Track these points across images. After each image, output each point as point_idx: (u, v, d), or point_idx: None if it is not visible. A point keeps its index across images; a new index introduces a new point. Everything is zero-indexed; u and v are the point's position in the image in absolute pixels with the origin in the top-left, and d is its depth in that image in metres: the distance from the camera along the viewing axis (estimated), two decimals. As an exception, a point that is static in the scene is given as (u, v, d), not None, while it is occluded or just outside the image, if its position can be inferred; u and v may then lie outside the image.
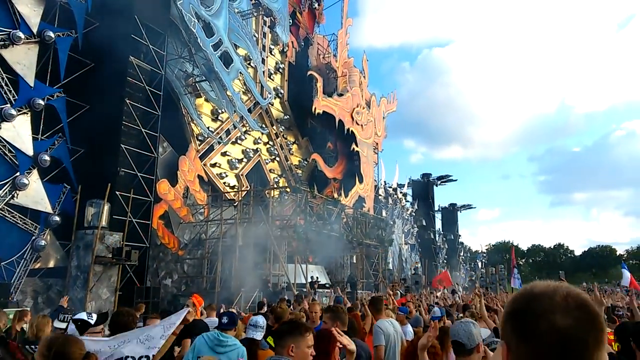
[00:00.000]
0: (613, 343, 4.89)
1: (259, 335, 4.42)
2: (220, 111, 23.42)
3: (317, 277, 20.80)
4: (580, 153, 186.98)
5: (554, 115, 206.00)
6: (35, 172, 14.91)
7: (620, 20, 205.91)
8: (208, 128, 22.70)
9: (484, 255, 69.28)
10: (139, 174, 17.09)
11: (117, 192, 16.03)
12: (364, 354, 4.35)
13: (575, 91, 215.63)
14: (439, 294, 20.47)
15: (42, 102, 15.12)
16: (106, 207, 15.54)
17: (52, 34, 15.47)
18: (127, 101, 16.98)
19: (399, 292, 18.91)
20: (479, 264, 62.66)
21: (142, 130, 17.40)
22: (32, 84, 14.92)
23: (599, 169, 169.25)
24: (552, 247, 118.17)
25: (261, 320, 4.52)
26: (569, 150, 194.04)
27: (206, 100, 22.88)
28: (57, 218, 15.32)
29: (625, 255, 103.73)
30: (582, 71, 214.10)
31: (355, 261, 27.22)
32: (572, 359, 0.97)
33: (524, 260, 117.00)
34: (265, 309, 10.86)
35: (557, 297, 1.01)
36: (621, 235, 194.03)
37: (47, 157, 15.14)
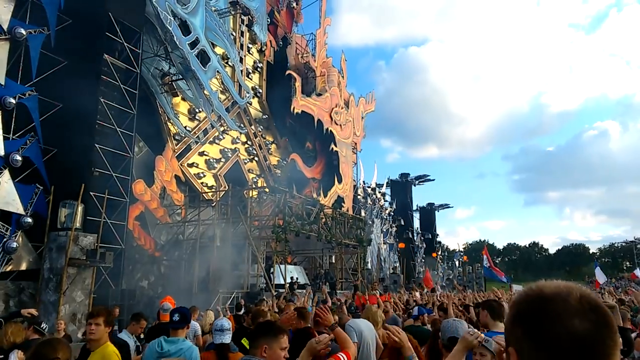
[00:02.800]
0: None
1: (227, 339, 4.32)
2: (197, 110, 23.19)
3: (297, 278, 20.73)
4: (553, 152, 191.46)
5: (527, 114, 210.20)
6: (6, 173, 14.51)
7: (593, 21, 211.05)
8: (185, 127, 22.45)
9: (461, 254, 70.18)
10: (114, 174, 16.77)
11: (92, 193, 15.69)
12: None
13: (550, 90, 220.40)
14: (417, 293, 20.58)
15: (13, 101, 14.72)
16: (80, 208, 15.22)
17: (23, 31, 15.08)
18: (102, 100, 16.65)
19: (377, 292, 18.96)
20: (457, 262, 63.43)
21: (117, 129, 17.08)
22: (2, 82, 14.53)
23: (571, 168, 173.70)
24: (527, 245, 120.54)
25: (226, 323, 4.44)
26: (543, 149, 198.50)
27: (183, 99, 22.63)
28: (29, 219, 14.94)
29: (597, 254, 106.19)
30: (556, 71, 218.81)
31: (334, 261, 27.22)
32: None
33: (500, 258, 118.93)
34: (243, 310, 10.78)
35: (571, 299, 0.97)
36: (593, 234, 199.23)
37: (18, 157, 14.75)
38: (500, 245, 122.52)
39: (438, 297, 16.42)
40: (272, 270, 19.29)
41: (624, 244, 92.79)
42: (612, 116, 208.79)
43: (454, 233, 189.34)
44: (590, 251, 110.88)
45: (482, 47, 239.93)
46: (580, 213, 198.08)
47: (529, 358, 0.98)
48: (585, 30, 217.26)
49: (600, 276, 20.97)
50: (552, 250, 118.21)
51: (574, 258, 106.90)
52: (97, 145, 16.31)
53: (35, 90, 15.56)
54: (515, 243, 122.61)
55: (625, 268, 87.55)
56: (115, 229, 16.50)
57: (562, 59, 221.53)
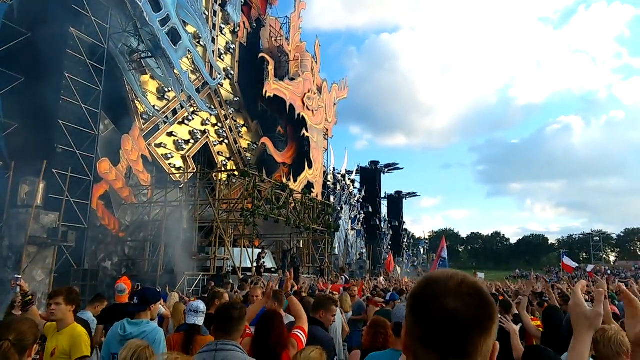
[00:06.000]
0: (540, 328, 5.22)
1: (200, 321, 4.30)
2: (166, 90, 22.71)
3: (264, 262, 20.74)
4: (517, 144, 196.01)
5: (494, 106, 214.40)
6: (-38, 147, 13.97)
7: (561, 16, 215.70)
8: (154, 107, 21.97)
9: (426, 242, 71.58)
10: (77, 151, 16.34)
11: (54, 170, 15.28)
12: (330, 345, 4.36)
13: (517, 83, 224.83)
14: (381, 278, 20.94)
15: (-29, 72, 14.13)
16: (41, 186, 14.80)
17: (-17, -1, 14.44)
18: (66, 75, 16.14)
19: (343, 277, 19.17)
20: (422, 250, 64.66)
21: (82, 105, 16.61)
22: (-40, 52, 13.91)
23: (534, 160, 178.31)
24: (489, 235, 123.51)
25: (202, 305, 4.41)
26: (508, 141, 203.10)
27: (152, 77, 22.10)
28: (-13, 196, 14.47)
29: (556, 244, 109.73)
30: (523, 64, 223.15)
31: (302, 246, 27.35)
32: (456, 339, 1.02)
33: (463, 247, 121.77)
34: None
35: (451, 282, 1.06)
36: (553, 225, 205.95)
37: (-24, 131, 14.22)
38: (464, 234, 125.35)
39: (402, 283, 16.73)
40: (263, 257, 19.35)
41: (581, 235, 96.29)
42: (576, 111, 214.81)
43: (419, 221, 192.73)
44: (549, 242, 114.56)
45: (452, 37, 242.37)
46: (541, 205, 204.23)
47: (410, 330, 1.08)
48: (554, 25, 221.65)
49: (570, 262, 22.10)
50: (513, 240, 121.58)
51: (533, 248, 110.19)
52: (60, 121, 15.85)
53: (-5, 61, 14.93)
54: (478, 232, 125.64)
55: (582, 259, 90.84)
56: (78, 208, 16.15)
57: (530, 53, 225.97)
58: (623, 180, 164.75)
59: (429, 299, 1.05)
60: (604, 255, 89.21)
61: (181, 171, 23.32)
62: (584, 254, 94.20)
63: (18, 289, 4.49)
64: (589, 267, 22.81)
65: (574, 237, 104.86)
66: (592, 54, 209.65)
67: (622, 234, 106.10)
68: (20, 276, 4.80)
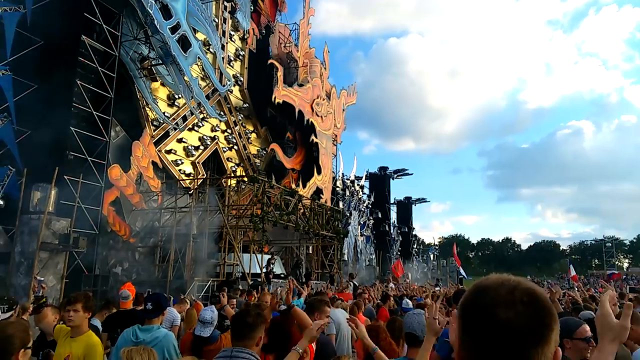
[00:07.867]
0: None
1: (207, 332, 4.21)
2: (177, 96, 22.87)
3: (273, 268, 20.73)
4: (528, 149, 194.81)
5: (504, 110, 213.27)
6: (-24, 153, 14.15)
7: (571, 19, 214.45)
8: (164, 113, 22.13)
9: (436, 248, 71.19)
10: (89, 158, 16.49)
11: (66, 177, 15.41)
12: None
13: (526, 87, 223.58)
14: (391, 284, 20.84)
15: (-15, 80, 14.33)
16: (53, 192, 14.93)
17: (-3, 8, 14.66)
18: (78, 82, 16.31)
19: (352, 283, 19.04)
20: (431, 256, 64.28)
21: (94, 113, 16.77)
22: (-26, 60, 14.13)
23: (545, 165, 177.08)
24: (500, 241, 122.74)
25: (209, 315, 4.32)
26: (518, 146, 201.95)
27: (162, 84, 22.27)
28: (1, 201, 14.66)
29: (568, 250, 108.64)
30: (533, 67, 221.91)
31: (311, 252, 27.31)
32: (511, 353, 0.94)
33: (473, 253, 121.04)
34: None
35: (502, 289, 0.99)
36: (564, 231, 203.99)
37: (-10, 138, 14.40)
38: (474, 240, 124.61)
39: (412, 289, 16.63)
40: (273, 263, 19.36)
41: (593, 242, 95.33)
42: (586, 115, 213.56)
43: (429, 227, 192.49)
44: (561, 248, 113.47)
45: (461, 41, 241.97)
46: (552, 210, 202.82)
47: (464, 345, 1.01)
48: (564, 28, 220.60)
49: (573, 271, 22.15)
50: (524, 247, 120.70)
51: (545, 254, 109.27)
52: (72, 128, 16.01)
53: (9, 69, 15.14)
54: (488, 238, 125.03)
55: (594, 265, 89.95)
56: (90, 214, 16.26)
57: (540, 56, 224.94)
58: (635, 185, 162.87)
59: (478, 309, 0.99)
60: (617, 262, 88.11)
61: (191, 177, 23.45)
62: (596, 261, 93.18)
63: (41, 291, 4.57)
64: (572, 271, 22.61)
65: (585, 243, 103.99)
66: (603, 57, 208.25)
67: (634, 240, 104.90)
68: (43, 279, 4.91)
